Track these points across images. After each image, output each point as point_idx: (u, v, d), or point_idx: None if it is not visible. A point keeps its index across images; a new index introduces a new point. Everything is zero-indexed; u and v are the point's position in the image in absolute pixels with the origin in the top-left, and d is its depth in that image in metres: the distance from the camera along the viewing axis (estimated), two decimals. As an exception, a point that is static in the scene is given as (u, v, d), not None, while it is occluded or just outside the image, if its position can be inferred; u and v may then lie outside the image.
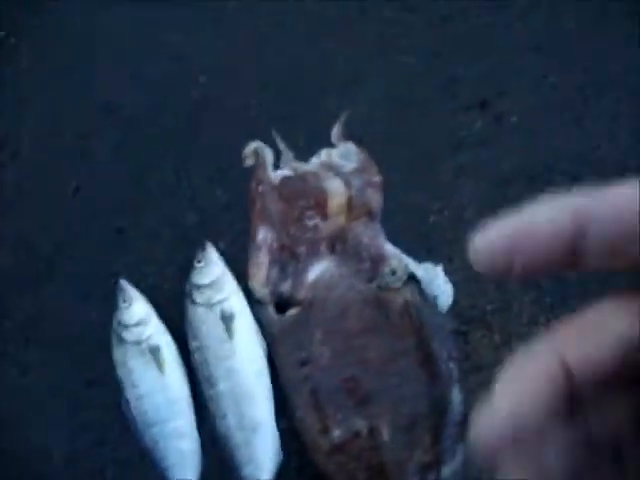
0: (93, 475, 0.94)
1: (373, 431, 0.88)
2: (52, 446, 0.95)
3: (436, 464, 0.89)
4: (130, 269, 0.96)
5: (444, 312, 0.93)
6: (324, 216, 0.95)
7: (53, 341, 0.98)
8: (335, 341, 0.89)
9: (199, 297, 0.91)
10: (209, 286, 0.91)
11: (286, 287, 0.92)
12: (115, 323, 0.92)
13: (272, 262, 0.93)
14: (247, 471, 0.88)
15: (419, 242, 0.95)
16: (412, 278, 0.92)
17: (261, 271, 0.93)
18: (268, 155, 0.99)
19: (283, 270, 0.93)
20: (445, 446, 0.89)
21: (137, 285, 0.94)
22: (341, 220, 0.95)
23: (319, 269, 0.92)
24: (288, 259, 0.93)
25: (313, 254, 0.93)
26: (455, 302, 0.95)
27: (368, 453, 0.88)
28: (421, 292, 0.92)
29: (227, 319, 0.89)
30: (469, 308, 1.03)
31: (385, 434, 0.88)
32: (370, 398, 0.87)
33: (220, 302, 0.90)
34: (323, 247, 0.93)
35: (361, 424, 0.88)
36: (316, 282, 0.92)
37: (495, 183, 1.01)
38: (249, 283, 0.93)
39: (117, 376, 0.91)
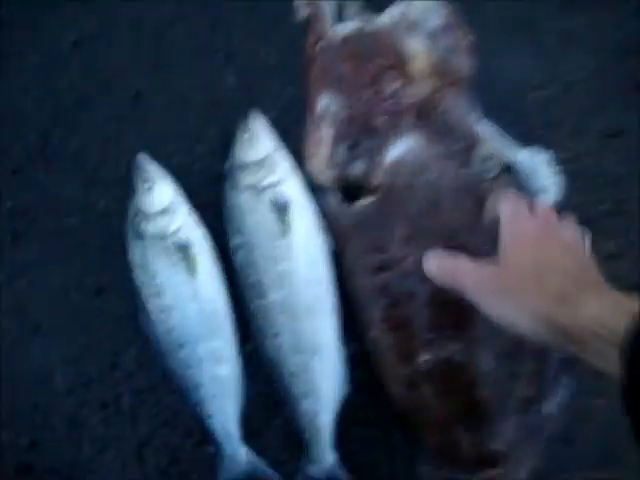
0: (104, 406, 0.74)
1: (469, 358, 0.67)
2: (54, 370, 0.75)
3: (538, 398, 0.68)
4: (151, 145, 0.74)
5: None
6: (405, 80, 0.72)
7: (51, 237, 0.76)
8: (422, 241, 0.67)
9: (244, 180, 0.69)
10: (257, 165, 0.69)
11: (357, 170, 0.70)
12: (132, 212, 0.70)
13: (338, 138, 0.71)
14: (303, 406, 0.68)
15: (515, 124, 0.72)
16: (509, 167, 0.71)
17: (323, 149, 0.71)
18: (328, 4, 0.75)
19: (353, 148, 0.71)
20: (548, 377, 0.69)
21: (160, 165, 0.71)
22: (427, 87, 0.72)
23: (401, 148, 0.70)
24: (359, 134, 0.71)
25: (393, 128, 0.71)
26: (563, 200, 0.72)
27: (460, 385, 0.68)
28: (520, 185, 0.70)
29: (280, 208, 0.67)
30: (576, 208, 0.80)
31: (483, 362, 0.67)
32: (467, 317, 0.66)
33: (271, 186, 0.68)
34: (406, 119, 0.71)
35: (454, 349, 0.67)
36: (398, 164, 0.70)
37: (610, 53, 0.76)
38: (307, 164, 0.71)
39: (134, 282, 0.69)
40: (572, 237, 0.60)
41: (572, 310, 0.51)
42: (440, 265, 0.62)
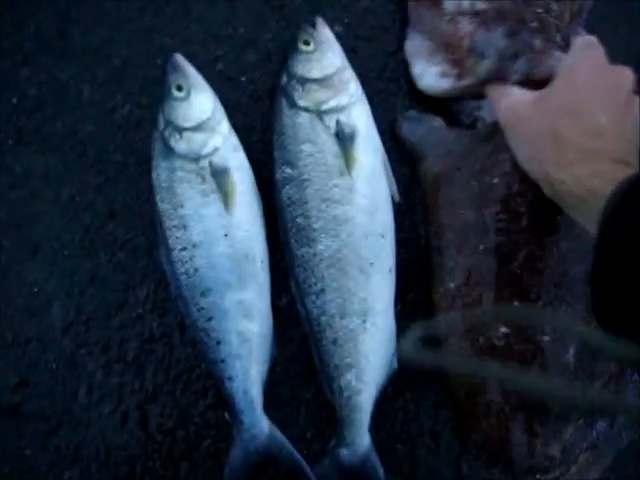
0: (105, 349, 0.64)
1: (552, 342, 0.56)
2: (52, 301, 0.64)
3: (614, 404, 0.57)
4: (191, 45, 0.61)
5: None
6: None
7: (61, 143, 0.64)
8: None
9: (302, 99, 0.56)
10: (320, 83, 0.55)
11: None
12: (161, 123, 0.58)
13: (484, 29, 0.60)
14: (343, 380, 0.57)
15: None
16: None
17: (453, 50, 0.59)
18: None
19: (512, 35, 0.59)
20: (629, 381, 0.58)
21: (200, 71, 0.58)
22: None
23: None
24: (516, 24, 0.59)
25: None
26: None
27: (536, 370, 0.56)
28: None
29: (345, 139, 0.55)
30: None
31: (565, 351, 0.56)
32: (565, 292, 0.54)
33: (336, 111, 0.55)
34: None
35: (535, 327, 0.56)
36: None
37: None
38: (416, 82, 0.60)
39: (156, 208, 0.57)
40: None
41: (578, 168, 0.48)
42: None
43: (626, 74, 0.52)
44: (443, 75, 0.60)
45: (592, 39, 0.55)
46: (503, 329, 0.56)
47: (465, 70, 0.60)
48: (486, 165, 0.57)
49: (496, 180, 0.57)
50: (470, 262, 0.58)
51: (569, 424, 0.58)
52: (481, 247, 0.57)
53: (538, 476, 0.59)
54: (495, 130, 0.57)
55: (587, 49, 0.54)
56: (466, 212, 0.58)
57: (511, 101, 0.55)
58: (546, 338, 0.56)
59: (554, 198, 0.51)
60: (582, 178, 0.48)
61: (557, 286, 0.56)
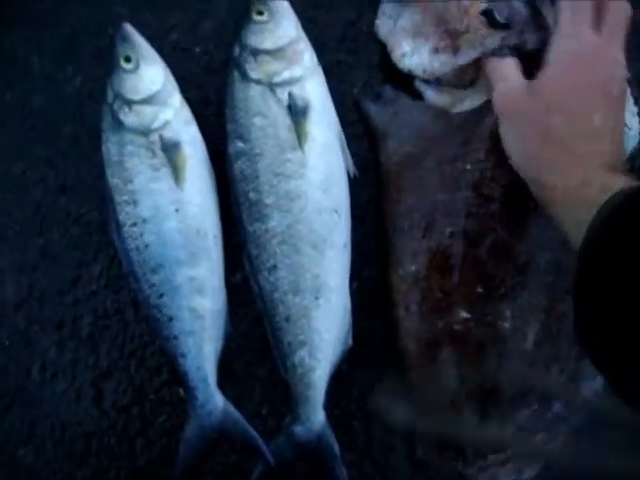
0: (59, 326, 0.63)
1: (513, 327, 0.56)
2: (3, 277, 0.64)
3: (571, 388, 0.58)
4: (141, 14, 0.59)
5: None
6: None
7: (9, 116, 0.63)
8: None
9: (255, 71, 0.55)
10: (274, 54, 0.55)
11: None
12: (110, 96, 0.56)
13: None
14: (297, 357, 0.57)
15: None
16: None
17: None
18: None
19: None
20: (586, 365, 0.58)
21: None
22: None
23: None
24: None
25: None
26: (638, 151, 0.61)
27: (490, 357, 0.56)
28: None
29: (298, 112, 0.54)
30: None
31: (526, 336, 0.56)
32: (529, 279, 0.56)
33: (289, 83, 0.55)
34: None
35: (501, 313, 0.56)
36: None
37: None
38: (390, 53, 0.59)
39: (106, 183, 0.56)
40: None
41: (568, 173, 0.47)
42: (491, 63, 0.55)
43: (618, 62, 0.50)
44: (436, 51, 0.58)
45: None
46: (463, 313, 0.56)
47: (466, 44, 0.56)
48: (459, 152, 0.57)
49: (469, 167, 0.57)
50: (435, 245, 0.57)
51: (525, 407, 0.58)
52: (448, 230, 0.57)
53: (490, 457, 0.60)
54: (470, 119, 0.57)
55: (574, 21, 0.51)
56: (435, 195, 0.57)
57: (507, 87, 0.53)
58: (506, 324, 0.56)
59: (540, 200, 0.51)
60: (572, 186, 0.47)
61: (521, 273, 0.56)
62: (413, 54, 0.58)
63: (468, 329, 0.56)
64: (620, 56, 0.50)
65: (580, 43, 0.50)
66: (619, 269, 0.38)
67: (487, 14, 0.55)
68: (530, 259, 0.56)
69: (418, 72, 0.58)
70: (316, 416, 0.59)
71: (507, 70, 0.53)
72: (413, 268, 0.57)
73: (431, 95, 0.59)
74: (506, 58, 0.54)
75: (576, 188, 0.46)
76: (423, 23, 0.58)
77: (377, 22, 0.60)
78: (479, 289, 0.56)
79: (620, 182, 0.43)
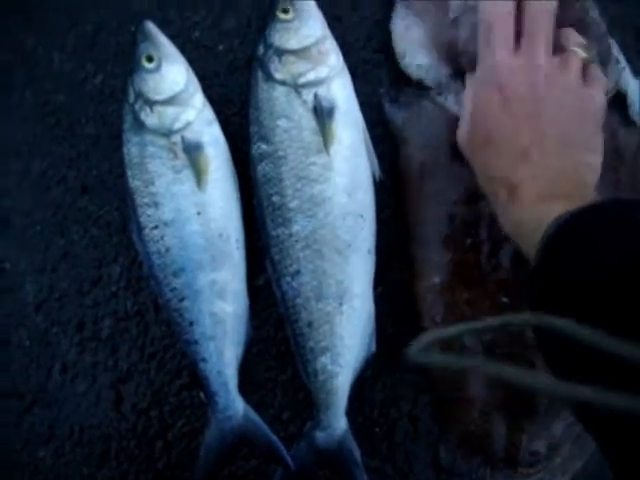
0: (79, 327, 0.64)
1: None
2: (24, 277, 0.65)
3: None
4: (164, 10, 0.59)
5: None
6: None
7: (30, 114, 0.63)
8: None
9: (280, 71, 0.54)
10: (299, 55, 0.54)
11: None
12: (131, 96, 0.56)
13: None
14: (319, 363, 0.57)
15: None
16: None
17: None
18: None
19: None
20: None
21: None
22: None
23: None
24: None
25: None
26: None
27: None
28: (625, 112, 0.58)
29: (324, 114, 0.53)
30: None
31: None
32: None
33: (315, 84, 0.54)
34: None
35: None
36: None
37: None
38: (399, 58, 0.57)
39: (127, 184, 0.56)
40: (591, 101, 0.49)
41: (510, 214, 0.48)
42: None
43: (538, 66, 0.48)
44: (454, 78, 0.57)
45: (491, 6, 0.49)
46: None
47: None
48: None
49: None
50: (456, 257, 0.57)
51: (559, 420, 0.58)
52: (468, 242, 0.56)
53: (520, 469, 0.59)
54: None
55: (486, 40, 0.49)
56: (453, 207, 0.57)
57: (460, 131, 0.53)
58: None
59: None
60: (515, 225, 0.47)
61: None
62: (429, 69, 0.57)
63: (496, 339, 0.55)
64: (537, 69, 0.48)
65: (490, 65, 0.49)
66: (562, 292, 0.39)
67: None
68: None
69: (430, 84, 0.58)
70: (338, 422, 0.59)
71: (463, 110, 0.53)
72: (437, 280, 0.57)
73: (452, 101, 0.58)
74: (468, 95, 0.52)
75: (517, 226, 0.47)
76: (438, 42, 0.57)
77: (392, 21, 0.59)
78: (504, 299, 0.55)
79: (554, 211, 0.42)
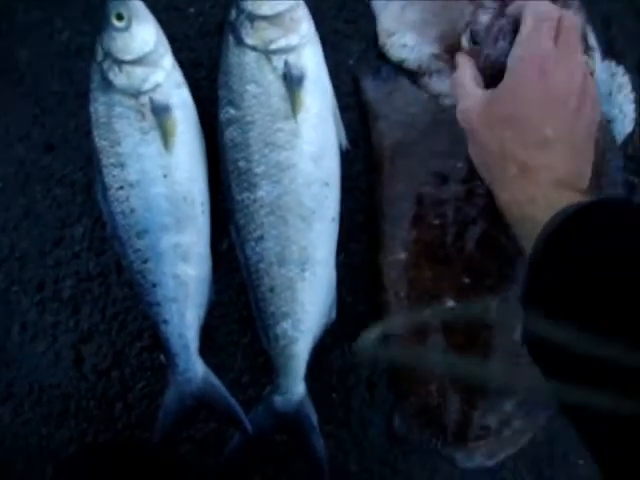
0: (40, 287, 0.64)
1: (499, 320, 0.58)
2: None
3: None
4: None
5: (616, 144, 0.63)
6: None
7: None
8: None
9: (250, 37, 0.55)
10: (271, 20, 0.55)
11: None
12: (99, 55, 0.56)
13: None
14: (280, 328, 0.59)
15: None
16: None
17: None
18: None
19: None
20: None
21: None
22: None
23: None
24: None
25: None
26: (631, 137, 0.64)
27: (476, 349, 0.59)
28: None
29: (293, 81, 0.54)
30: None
31: (513, 329, 0.58)
32: (514, 273, 0.58)
33: (285, 51, 0.55)
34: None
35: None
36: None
37: None
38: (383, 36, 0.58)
39: (93, 143, 0.57)
40: (590, 109, 0.51)
41: (518, 189, 0.48)
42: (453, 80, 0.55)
43: (577, 64, 0.50)
44: (437, 58, 0.59)
45: (544, 6, 0.52)
46: (450, 303, 0.58)
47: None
48: (449, 148, 0.58)
49: (460, 164, 0.58)
50: (424, 236, 0.59)
51: (509, 399, 0.61)
52: (436, 222, 0.59)
53: (470, 443, 0.62)
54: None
55: (536, 31, 0.50)
56: (424, 187, 0.59)
57: (467, 103, 0.53)
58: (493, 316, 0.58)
59: (500, 211, 0.52)
60: (521, 202, 0.48)
61: (508, 266, 0.58)
62: (414, 50, 0.59)
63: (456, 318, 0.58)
64: (577, 66, 0.50)
65: (537, 51, 0.50)
66: (561, 286, 0.40)
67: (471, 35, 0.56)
68: (517, 252, 0.57)
69: (411, 65, 0.59)
70: (296, 387, 0.61)
71: (467, 85, 0.54)
72: (403, 256, 0.59)
73: (435, 80, 0.59)
74: (466, 73, 0.54)
75: (525, 204, 0.48)
76: (431, 26, 0.58)
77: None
78: (466, 280, 0.58)
79: (565, 199, 0.44)
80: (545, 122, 0.49)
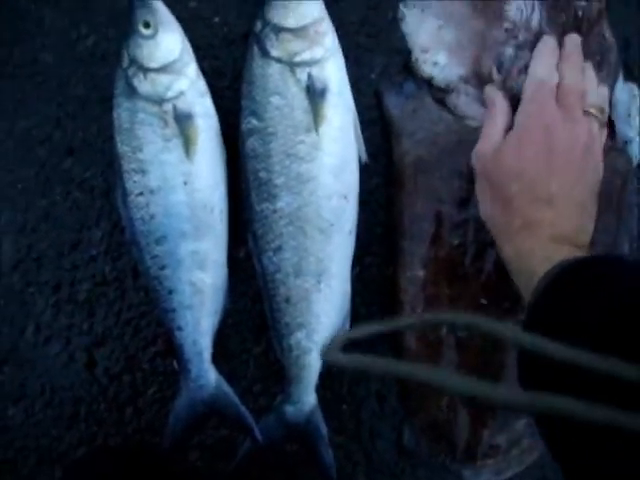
0: (56, 289, 0.65)
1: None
2: (2, 236, 0.64)
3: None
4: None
5: (632, 166, 0.63)
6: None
7: (17, 71, 0.64)
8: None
9: (275, 48, 0.56)
10: (295, 33, 0.55)
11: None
12: (125, 61, 0.57)
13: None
14: (294, 338, 0.59)
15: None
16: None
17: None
18: None
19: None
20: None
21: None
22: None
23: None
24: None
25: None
26: None
27: (490, 367, 0.60)
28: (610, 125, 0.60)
29: (316, 94, 0.55)
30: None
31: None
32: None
33: (309, 64, 0.56)
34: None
35: None
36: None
37: None
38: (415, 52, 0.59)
39: (115, 149, 0.57)
40: (593, 165, 0.54)
41: (520, 242, 0.50)
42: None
43: (581, 123, 0.52)
44: (466, 81, 0.60)
45: (549, 43, 0.54)
46: None
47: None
48: (468, 168, 0.58)
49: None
50: (442, 254, 0.60)
51: (521, 417, 0.62)
52: (456, 242, 0.59)
53: (479, 461, 0.63)
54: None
55: (541, 84, 0.53)
56: (444, 206, 0.60)
57: (485, 146, 0.55)
58: None
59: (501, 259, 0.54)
60: (521, 255, 0.50)
61: None
62: (445, 68, 0.59)
63: (471, 337, 0.58)
64: (580, 125, 0.52)
65: (542, 110, 0.52)
66: (555, 335, 0.40)
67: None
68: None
69: (440, 84, 0.60)
70: (307, 397, 0.61)
71: (492, 127, 0.55)
72: (421, 274, 0.60)
73: (462, 101, 0.60)
74: (499, 114, 0.55)
75: (524, 256, 0.49)
76: (465, 49, 0.59)
77: (403, 10, 0.61)
78: (483, 301, 0.58)
79: (563, 253, 0.45)
80: (549, 180, 0.51)
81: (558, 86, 0.54)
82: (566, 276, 0.43)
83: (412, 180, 0.60)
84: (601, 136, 0.56)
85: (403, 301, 0.60)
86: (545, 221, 0.50)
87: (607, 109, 0.58)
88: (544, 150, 0.51)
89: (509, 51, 0.57)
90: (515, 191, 0.51)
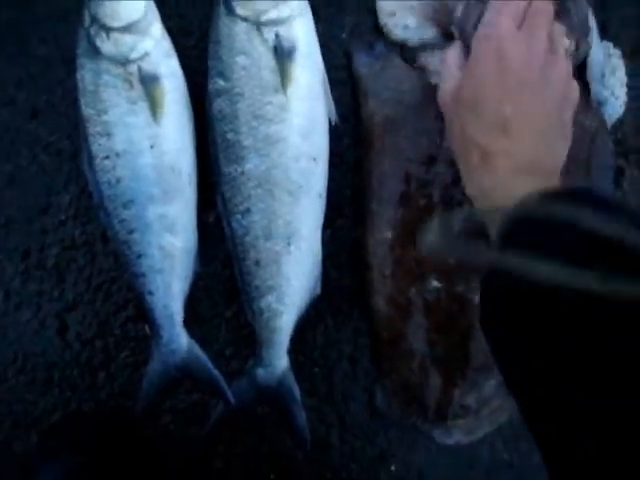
0: (25, 255, 0.64)
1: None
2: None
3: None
4: None
5: (607, 127, 0.62)
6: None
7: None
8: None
9: (242, 7, 0.55)
10: (263, -9, 0.54)
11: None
12: (87, 20, 0.56)
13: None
14: (264, 301, 0.60)
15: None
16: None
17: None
18: None
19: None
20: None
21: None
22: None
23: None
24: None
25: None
26: (621, 121, 0.64)
27: (458, 329, 0.61)
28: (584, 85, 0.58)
29: (284, 54, 0.54)
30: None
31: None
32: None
33: (277, 23, 0.55)
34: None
35: (471, 287, 0.59)
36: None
37: None
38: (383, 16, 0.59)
39: (79, 111, 0.56)
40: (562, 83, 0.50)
41: (479, 179, 0.49)
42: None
43: (540, 45, 0.49)
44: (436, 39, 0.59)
45: None
46: (434, 283, 0.59)
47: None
48: (435, 126, 0.58)
49: (446, 144, 0.58)
50: (410, 215, 0.59)
51: (491, 377, 0.62)
52: (423, 202, 0.59)
53: (449, 421, 0.64)
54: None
55: (498, 14, 0.50)
56: (411, 165, 0.59)
57: (447, 86, 0.53)
58: (476, 297, 0.59)
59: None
60: (483, 191, 0.48)
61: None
62: (416, 31, 0.58)
63: (438, 299, 0.59)
64: (540, 48, 0.49)
65: (495, 33, 0.49)
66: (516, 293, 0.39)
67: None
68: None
69: (415, 45, 0.59)
70: (279, 360, 0.62)
71: (451, 67, 0.53)
72: (389, 235, 0.59)
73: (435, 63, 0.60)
74: (453, 55, 0.53)
75: (486, 195, 0.48)
76: (429, 8, 0.58)
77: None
78: (451, 261, 0.59)
79: (525, 187, 0.42)
80: (502, 104, 0.48)
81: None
82: (527, 213, 0.41)
83: (380, 140, 0.59)
84: (568, 62, 0.53)
85: (371, 263, 0.60)
86: (501, 152, 0.48)
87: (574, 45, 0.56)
88: (496, 72, 0.48)
89: (461, 6, 0.55)
90: (470, 122, 0.49)
